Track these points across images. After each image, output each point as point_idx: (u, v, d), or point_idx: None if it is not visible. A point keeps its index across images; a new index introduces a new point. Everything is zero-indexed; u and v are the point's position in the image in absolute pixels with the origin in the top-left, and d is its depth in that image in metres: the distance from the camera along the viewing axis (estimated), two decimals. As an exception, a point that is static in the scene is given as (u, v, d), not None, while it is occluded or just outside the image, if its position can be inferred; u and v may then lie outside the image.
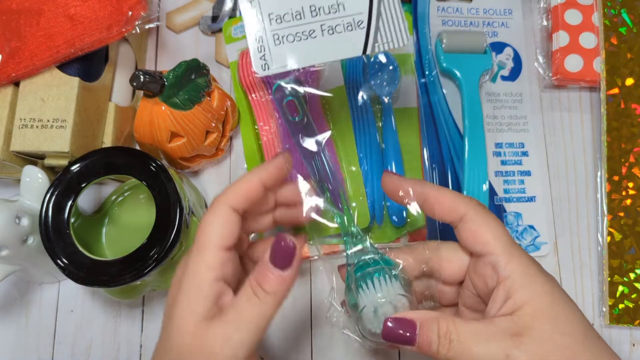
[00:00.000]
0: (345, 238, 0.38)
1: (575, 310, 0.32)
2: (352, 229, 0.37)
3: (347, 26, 0.31)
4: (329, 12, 0.31)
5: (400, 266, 0.36)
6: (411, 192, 0.36)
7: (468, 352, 0.31)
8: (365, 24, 0.31)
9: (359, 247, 0.37)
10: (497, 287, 0.33)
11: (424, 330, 0.32)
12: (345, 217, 0.38)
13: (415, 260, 0.37)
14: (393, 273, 0.35)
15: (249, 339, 0.30)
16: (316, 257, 0.49)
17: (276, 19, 0.30)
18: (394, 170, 0.49)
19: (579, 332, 0.31)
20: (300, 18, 0.30)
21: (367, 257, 0.36)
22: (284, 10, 0.30)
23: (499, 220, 0.34)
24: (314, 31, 0.31)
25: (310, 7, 0.30)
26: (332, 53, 0.32)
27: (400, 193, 0.36)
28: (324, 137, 0.37)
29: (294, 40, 0.31)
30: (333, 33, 0.31)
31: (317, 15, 0.31)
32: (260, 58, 0.31)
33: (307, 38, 0.31)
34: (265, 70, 0.31)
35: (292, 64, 0.32)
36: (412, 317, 0.32)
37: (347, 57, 0.32)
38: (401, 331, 0.32)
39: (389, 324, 0.32)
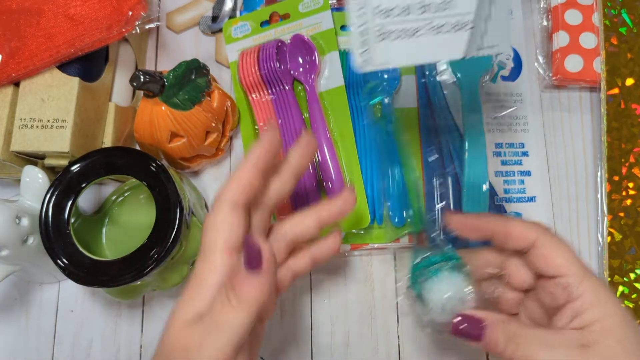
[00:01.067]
0: (413, 233, 0.40)
1: None
2: (421, 226, 0.39)
3: (454, 26, 0.30)
4: (438, 10, 0.29)
5: (467, 265, 0.37)
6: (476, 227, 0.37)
7: (534, 356, 0.32)
8: (472, 25, 0.30)
9: (429, 245, 0.39)
10: (567, 304, 0.34)
11: (491, 330, 0.33)
12: (415, 216, 0.40)
13: (482, 262, 0.38)
14: (460, 269, 0.36)
15: (223, 345, 0.29)
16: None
17: (383, 13, 0.29)
18: (394, 170, 0.49)
19: None
20: (408, 14, 0.29)
21: (434, 252, 0.37)
22: (392, 4, 0.29)
23: (568, 243, 0.35)
24: (418, 30, 0.30)
25: (419, 2, 0.29)
26: (433, 54, 0.31)
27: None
28: None
29: (396, 38, 0.30)
30: (438, 33, 0.30)
31: (425, 12, 0.30)
32: (362, 53, 0.31)
33: (411, 36, 0.30)
34: (366, 66, 0.31)
35: (393, 62, 0.31)
36: (481, 316, 0.33)
37: (448, 59, 0.31)
38: (469, 328, 0.33)
39: (458, 320, 0.33)
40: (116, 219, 0.47)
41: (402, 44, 0.30)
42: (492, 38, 0.30)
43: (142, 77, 0.40)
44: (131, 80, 0.41)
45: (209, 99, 0.46)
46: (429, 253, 0.37)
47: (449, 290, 0.35)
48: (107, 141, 0.47)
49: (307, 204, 0.47)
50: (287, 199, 0.48)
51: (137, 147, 0.49)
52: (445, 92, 0.52)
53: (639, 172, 0.49)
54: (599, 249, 0.49)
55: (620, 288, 0.48)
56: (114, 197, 0.48)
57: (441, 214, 0.36)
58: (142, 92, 0.44)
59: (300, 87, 0.51)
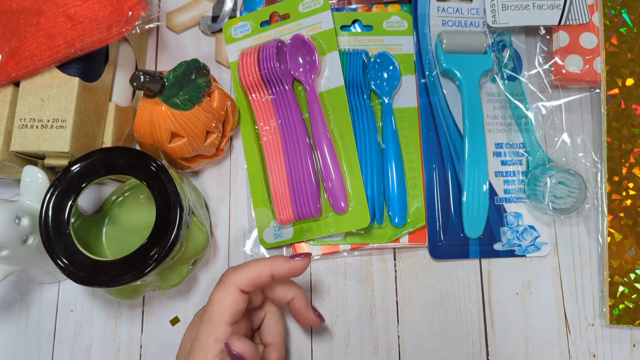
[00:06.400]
0: (529, 151, 0.51)
1: None
2: (540, 150, 0.50)
3: (550, 6, 0.51)
4: None
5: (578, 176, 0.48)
6: None
7: None
8: (562, 6, 0.51)
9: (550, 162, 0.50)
10: None
11: None
12: (532, 138, 0.51)
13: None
14: (566, 170, 0.47)
15: None
16: (317, 257, 0.49)
17: None
18: (393, 170, 0.49)
19: None
20: None
21: (551, 166, 0.49)
22: None
23: None
24: (528, 6, 0.51)
25: None
26: (537, 20, 0.51)
27: None
28: None
29: (514, 9, 0.51)
30: (540, 9, 0.51)
31: None
32: (492, 16, 0.51)
33: (522, 9, 0.51)
34: (493, 24, 0.51)
35: (510, 23, 0.51)
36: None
37: (546, 24, 0.51)
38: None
39: None
40: (116, 219, 0.47)
41: (516, 13, 0.51)
42: (573, 13, 0.51)
43: (142, 77, 0.40)
44: (131, 80, 0.41)
45: (209, 99, 0.46)
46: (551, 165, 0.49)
47: (560, 184, 0.47)
48: (107, 141, 0.47)
49: (307, 204, 0.47)
50: (288, 198, 0.48)
51: (137, 147, 0.49)
52: (445, 92, 0.52)
53: (639, 172, 0.49)
54: (599, 249, 0.49)
55: (621, 288, 0.48)
56: (114, 197, 0.48)
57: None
58: (142, 92, 0.44)
59: (300, 87, 0.51)
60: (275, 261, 0.38)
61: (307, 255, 0.39)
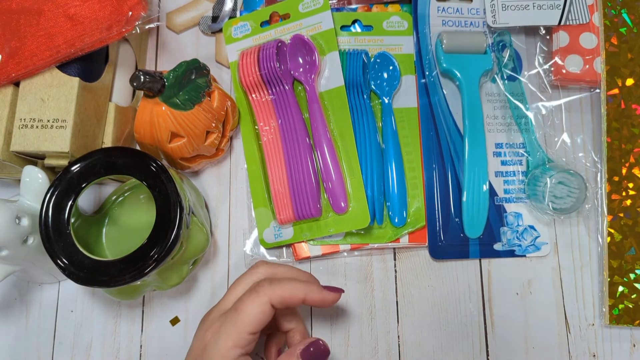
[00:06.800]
0: (529, 151, 0.51)
1: None
2: (540, 150, 0.50)
3: (550, 6, 0.51)
4: None
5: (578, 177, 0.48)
6: None
7: None
8: (562, 6, 0.51)
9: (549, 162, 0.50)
10: None
11: None
12: (532, 138, 0.51)
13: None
14: (566, 171, 0.48)
15: None
16: (317, 257, 0.49)
17: None
18: (393, 170, 0.49)
19: None
20: None
21: (551, 166, 0.49)
22: None
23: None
24: (528, 6, 0.51)
25: None
26: (537, 20, 0.51)
27: None
28: None
29: (514, 9, 0.51)
30: (540, 9, 0.51)
31: None
32: (492, 16, 0.51)
33: (522, 9, 0.51)
34: (493, 24, 0.51)
35: (510, 23, 0.51)
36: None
37: (546, 24, 0.51)
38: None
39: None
40: (116, 219, 0.47)
41: (516, 13, 0.51)
42: (573, 13, 0.51)
43: (142, 77, 0.40)
44: (131, 80, 0.40)
45: (209, 99, 0.46)
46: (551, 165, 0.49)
47: (560, 184, 0.47)
48: (107, 141, 0.47)
49: (307, 204, 0.47)
50: (288, 198, 0.48)
51: (137, 147, 0.49)
52: (445, 92, 0.52)
53: (639, 172, 0.49)
54: (599, 249, 0.49)
55: (620, 288, 0.48)
56: (114, 197, 0.48)
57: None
58: (142, 92, 0.44)
59: (300, 87, 0.51)
60: (310, 287, 0.39)
61: (340, 290, 0.40)
